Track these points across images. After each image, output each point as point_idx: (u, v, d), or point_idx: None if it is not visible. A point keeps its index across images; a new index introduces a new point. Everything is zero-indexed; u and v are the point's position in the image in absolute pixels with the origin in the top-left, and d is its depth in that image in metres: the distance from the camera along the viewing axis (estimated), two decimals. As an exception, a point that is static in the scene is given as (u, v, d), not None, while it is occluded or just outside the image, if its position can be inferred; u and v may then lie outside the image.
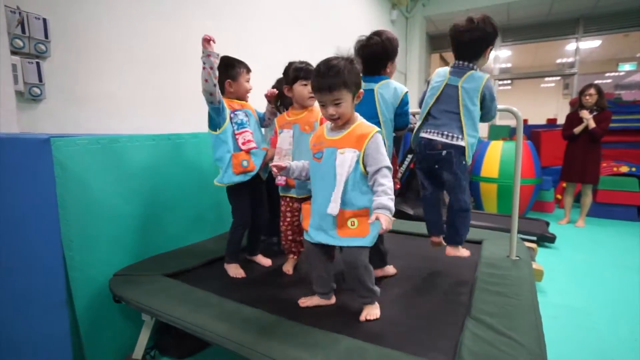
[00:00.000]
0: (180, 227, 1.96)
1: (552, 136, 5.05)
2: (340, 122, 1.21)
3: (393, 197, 1.14)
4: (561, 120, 6.41)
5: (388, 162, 1.18)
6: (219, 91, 1.51)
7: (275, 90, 1.67)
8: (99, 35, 1.70)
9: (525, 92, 9.77)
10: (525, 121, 6.02)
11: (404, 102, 1.46)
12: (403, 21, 5.96)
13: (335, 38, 3.90)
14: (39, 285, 1.28)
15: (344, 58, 1.19)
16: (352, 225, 1.19)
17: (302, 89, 1.55)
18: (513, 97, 9.94)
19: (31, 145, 1.22)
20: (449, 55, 7.53)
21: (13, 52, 1.36)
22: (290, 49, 3.13)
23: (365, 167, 1.18)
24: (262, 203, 1.79)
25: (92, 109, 1.69)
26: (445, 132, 1.45)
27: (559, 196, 4.85)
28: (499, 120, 7.21)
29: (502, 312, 1.20)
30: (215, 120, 1.57)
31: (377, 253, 1.52)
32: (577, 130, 3.66)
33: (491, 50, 1.49)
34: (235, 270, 1.68)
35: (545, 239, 3.18)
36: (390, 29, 5.45)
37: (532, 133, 5.36)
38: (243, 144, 1.58)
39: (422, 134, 1.52)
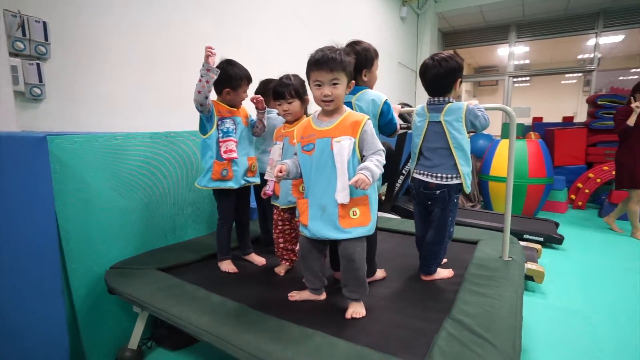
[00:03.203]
0: (177, 222, 2.02)
1: (566, 134, 4.90)
2: (332, 107, 1.22)
3: (380, 166, 1.18)
4: (579, 119, 6.20)
5: (382, 147, 1.22)
6: (210, 102, 1.56)
7: (260, 97, 1.70)
8: (97, 37, 1.77)
9: (544, 89, 9.48)
10: (539, 119, 5.86)
11: (384, 112, 1.46)
12: (413, 18, 5.88)
13: (341, 37, 3.89)
14: (37, 276, 1.35)
15: (340, 48, 1.23)
16: (354, 215, 1.20)
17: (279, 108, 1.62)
18: (531, 95, 9.65)
19: (28, 142, 1.28)
20: (464, 52, 7.40)
21: (14, 54, 1.44)
22: (292, 49, 3.15)
23: (361, 153, 1.21)
24: (247, 202, 1.83)
25: (91, 109, 1.76)
26: (439, 174, 1.48)
27: (572, 196, 4.71)
28: (513, 118, 7.04)
29: (482, 313, 1.19)
30: (204, 124, 1.62)
31: (367, 266, 1.53)
32: (631, 120, 3.26)
33: (461, 82, 1.53)
34: (226, 266, 1.72)
35: (553, 240, 3.11)
36: (400, 26, 5.39)
37: (547, 131, 5.21)
38: (225, 152, 1.62)
39: (416, 175, 1.55)
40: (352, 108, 1.43)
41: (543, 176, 3.95)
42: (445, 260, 1.71)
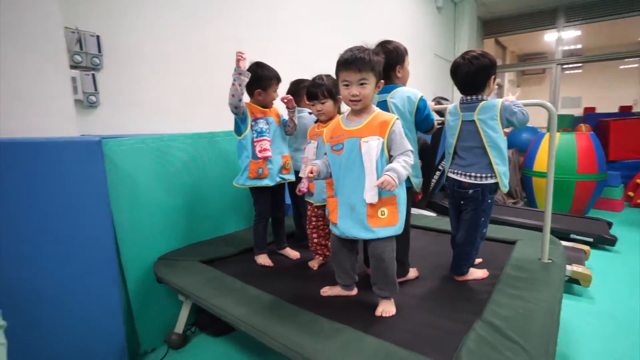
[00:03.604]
0: (217, 217, 2.14)
1: (623, 126, 4.53)
2: (359, 106, 1.24)
3: (407, 167, 1.19)
4: (639, 108, 5.67)
5: (410, 147, 1.23)
6: (244, 104, 1.64)
7: (289, 96, 1.75)
8: (142, 47, 1.91)
9: (598, 76, 8.75)
10: (592, 109, 5.45)
11: (420, 109, 1.46)
12: (450, 7, 5.66)
13: (374, 32, 3.86)
14: (96, 265, 1.50)
15: (370, 48, 1.24)
16: (382, 215, 1.22)
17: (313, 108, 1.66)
18: (582, 83, 8.94)
19: (86, 146, 1.42)
20: (507, 39, 7.02)
21: (73, 67, 1.60)
22: (323, 47, 3.16)
23: (389, 153, 1.22)
24: (282, 199, 1.90)
25: (138, 113, 1.91)
26: (473, 174, 1.46)
27: (630, 193, 4.36)
28: (561, 109, 6.59)
29: (515, 316, 1.17)
30: (239, 126, 1.70)
31: (400, 266, 1.54)
32: None
33: (494, 79, 1.48)
34: (262, 260, 1.81)
35: (604, 242, 2.91)
36: (435, 17, 5.22)
37: (600, 123, 4.84)
38: (260, 151, 1.69)
39: (450, 174, 1.53)
40: (387, 107, 1.45)
41: (594, 172, 3.69)
42: (479, 260, 1.68)
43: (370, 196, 1.20)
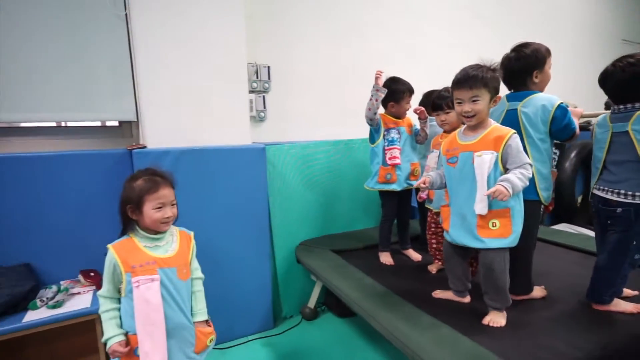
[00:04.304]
0: (349, 215, 2.44)
1: None
2: (473, 122, 1.29)
3: (524, 179, 1.18)
4: None
5: (529, 160, 1.23)
6: (378, 116, 1.85)
7: (421, 108, 1.85)
8: (298, 70, 2.36)
9: None
10: None
11: (558, 118, 1.35)
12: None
13: (538, 25, 3.47)
14: (255, 244, 1.98)
15: (486, 65, 1.29)
16: (493, 226, 1.25)
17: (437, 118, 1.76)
18: None
19: (255, 151, 1.91)
20: None
21: (251, 91, 2.14)
22: (469, 51, 3.05)
23: (504, 166, 1.24)
24: (408, 203, 2.02)
25: (293, 123, 2.37)
26: (623, 191, 1.29)
27: None
28: None
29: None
30: (372, 135, 1.92)
31: (521, 282, 1.47)
32: None
33: None
34: (385, 258, 1.98)
35: None
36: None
37: None
38: (389, 159, 1.86)
39: (595, 191, 1.39)
40: (517, 115, 1.42)
41: None
42: (634, 292, 1.43)
43: (480, 208, 1.23)
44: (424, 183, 1.40)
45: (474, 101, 1.25)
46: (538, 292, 1.51)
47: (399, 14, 2.74)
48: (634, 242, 1.29)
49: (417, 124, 1.94)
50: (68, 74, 1.67)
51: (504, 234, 1.24)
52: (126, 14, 1.68)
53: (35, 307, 1.40)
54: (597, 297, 1.37)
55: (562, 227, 2.91)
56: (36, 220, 1.60)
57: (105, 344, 1.11)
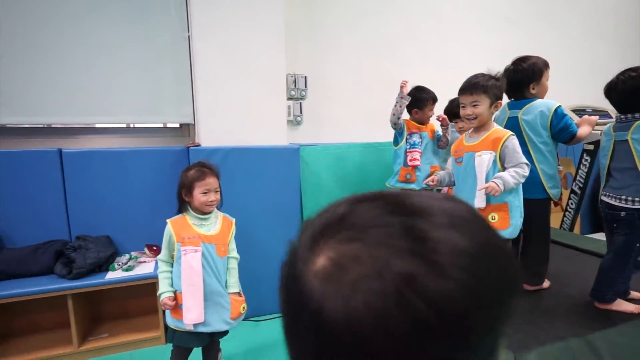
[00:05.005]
0: (375, 213, 2.61)
1: None
2: (475, 123, 1.45)
3: (517, 177, 1.31)
4: None
5: (525, 160, 1.36)
6: (402, 121, 2.02)
7: (443, 115, 1.99)
8: (332, 78, 2.61)
9: None
10: None
11: (555, 120, 1.47)
12: None
13: (570, 28, 3.38)
14: (286, 233, 2.23)
15: (490, 74, 1.44)
16: (492, 219, 1.40)
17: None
18: None
19: (290, 151, 2.18)
20: None
21: (289, 99, 2.42)
22: (497, 55, 3.07)
23: (502, 165, 1.39)
24: None
25: (326, 127, 2.61)
26: (624, 197, 1.38)
27: None
28: None
29: (627, 356, 1.10)
30: (396, 138, 2.10)
31: (535, 275, 1.58)
32: None
33: None
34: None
35: None
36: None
37: None
38: (410, 160, 2.03)
39: (603, 197, 1.48)
40: (518, 123, 1.55)
41: None
42: (637, 294, 1.48)
43: (479, 202, 1.39)
44: (433, 181, 1.57)
45: (474, 105, 1.40)
46: (546, 283, 1.62)
47: (429, 22, 2.88)
48: (638, 244, 1.36)
49: (439, 130, 2.08)
50: (139, 83, 2.07)
51: (502, 226, 1.37)
52: (189, 35, 2.03)
53: (114, 269, 1.79)
54: (599, 295, 1.44)
55: (599, 236, 2.85)
56: (115, 202, 2.00)
57: (159, 297, 1.43)
